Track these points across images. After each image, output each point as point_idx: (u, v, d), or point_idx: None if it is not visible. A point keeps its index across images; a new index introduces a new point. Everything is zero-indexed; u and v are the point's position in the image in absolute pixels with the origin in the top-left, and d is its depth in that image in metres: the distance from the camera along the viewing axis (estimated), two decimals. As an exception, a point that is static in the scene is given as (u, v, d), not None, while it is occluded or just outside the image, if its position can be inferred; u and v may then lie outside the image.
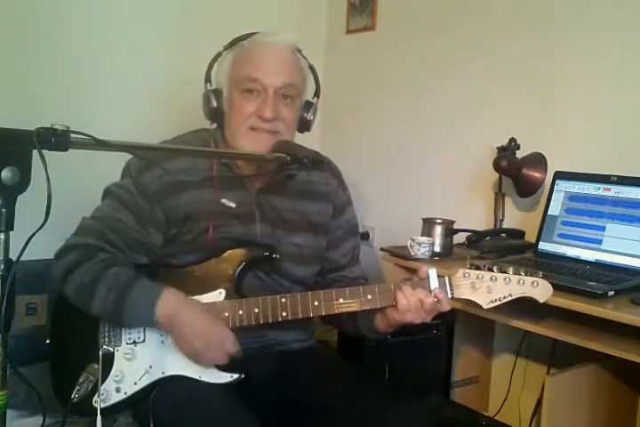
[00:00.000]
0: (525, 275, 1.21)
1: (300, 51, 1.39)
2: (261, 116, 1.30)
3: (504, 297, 1.21)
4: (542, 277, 1.21)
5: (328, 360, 1.48)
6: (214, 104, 1.35)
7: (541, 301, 1.21)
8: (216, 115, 1.37)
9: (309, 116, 1.41)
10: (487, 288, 1.21)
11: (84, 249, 1.24)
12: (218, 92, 1.36)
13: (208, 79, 1.38)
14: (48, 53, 2.09)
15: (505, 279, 1.20)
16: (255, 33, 1.36)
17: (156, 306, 1.16)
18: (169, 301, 1.17)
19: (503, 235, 1.86)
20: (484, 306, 1.21)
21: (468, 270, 1.22)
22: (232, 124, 1.34)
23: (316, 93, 1.43)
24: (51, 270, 1.26)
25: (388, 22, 2.45)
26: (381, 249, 1.89)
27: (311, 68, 1.41)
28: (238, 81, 1.32)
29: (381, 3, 2.46)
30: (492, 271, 1.21)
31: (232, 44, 1.37)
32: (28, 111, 1.89)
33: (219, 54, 1.38)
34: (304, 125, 1.41)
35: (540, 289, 1.20)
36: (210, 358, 1.19)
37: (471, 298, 1.22)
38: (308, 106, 1.41)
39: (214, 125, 1.41)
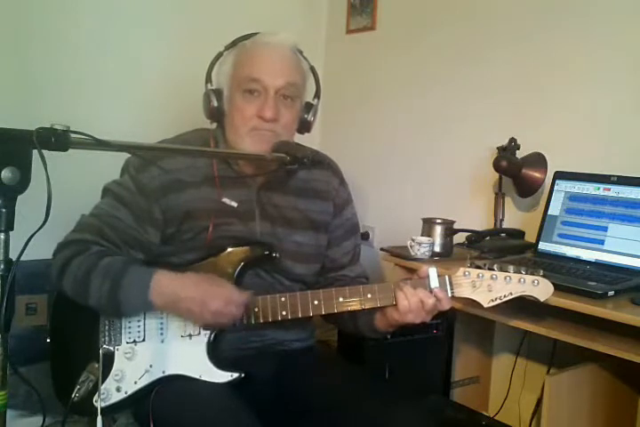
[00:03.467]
0: (526, 274, 1.20)
1: (301, 52, 1.39)
2: (262, 116, 1.29)
3: (504, 296, 1.20)
4: (543, 276, 1.21)
5: (328, 360, 1.48)
6: (215, 104, 1.35)
7: (542, 299, 1.20)
8: (216, 114, 1.36)
9: (310, 118, 1.40)
10: (488, 287, 1.20)
11: (78, 244, 1.25)
12: (218, 92, 1.36)
13: (209, 79, 1.38)
14: (48, 53, 2.09)
15: (505, 278, 1.20)
16: (256, 33, 1.36)
17: (149, 289, 1.16)
18: (162, 282, 1.17)
19: (503, 235, 1.86)
20: (485, 305, 1.21)
21: (468, 269, 1.22)
22: (233, 124, 1.34)
23: (317, 95, 1.42)
24: (50, 268, 1.26)
25: (388, 22, 2.45)
26: (381, 249, 1.89)
27: (312, 69, 1.41)
28: (239, 81, 1.32)
29: (381, 3, 2.46)
30: (493, 270, 1.21)
31: (233, 44, 1.37)
32: (27, 111, 1.89)
33: (220, 54, 1.38)
34: (304, 126, 1.41)
35: (540, 288, 1.20)
36: (226, 321, 1.19)
37: (471, 297, 1.21)
38: (309, 107, 1.40)
39: (214, 125, 1.41)
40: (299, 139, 1.41)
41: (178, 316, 1.23)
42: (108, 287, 1.17)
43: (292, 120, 1.36)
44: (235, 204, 1.33)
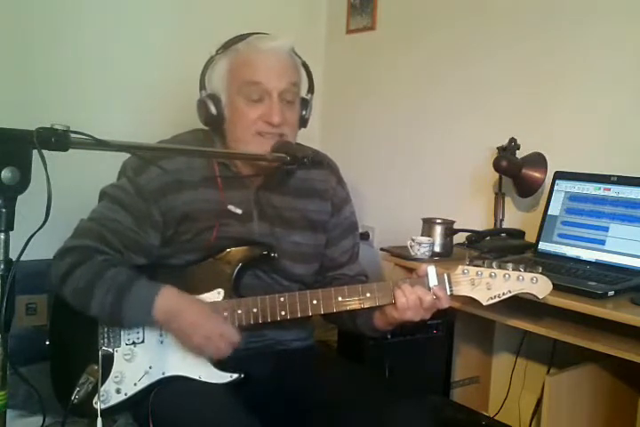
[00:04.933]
0: (524, 271, 1.20)
1: (293, 49, 1.36)
2: (270, 122, 1.28)
3: (503, 293, 1.20)
4: (541, 273, 1.20)
5: (328, 359, 1.48)
6: (213, 110, 1.31)
7: (541, 297, 1.20)
8: (216, 121, 1.33)
9: (307, 115, 1.40)
10: (486, 285, 1.20)
11: (81, 251, 1.23)
12: (215, 98, 1.32)
13: (203, 86, 1.34)
14: (48, 53, 2.10)
15: (504, 276, 1.20)
16: (248, 35, 1.33)
17: (153, 305, 1.16)
18: (166, 300, 1.17)
19: (503, 235, 1.86)
20: (484, 303, 1.21)
21: (466, 267, 1.22)
22: (237, 130, 1.32)
23: (310, 90, 1.42)
24: (49, 273, 1.25)
25: (388, 22, 2.45)
26: (381, 249, 1.89)
27: (304, 65, 1.39)
28: (239, 85, 1.30)
29: (381, 3, 2.46)
30: (492, 268, 1.21)
31: (225, 47, 1.33)
32: (28, 111, 1.89)
33: (212, 59, 1.34)
34: (302, 123, 1.41)
35: (539, 285, 1.19)
36: (212, 351, 1.19)
37: (470, 295, 1.21)
38: (305, 103, 1.40)
39: None
40: (299, 138, 1.41)
41: (171, 333, 1.22)
42: (110, 301, 1.17)
43: (295, 120, 1.36)
44: (239, 211, 1.32)
